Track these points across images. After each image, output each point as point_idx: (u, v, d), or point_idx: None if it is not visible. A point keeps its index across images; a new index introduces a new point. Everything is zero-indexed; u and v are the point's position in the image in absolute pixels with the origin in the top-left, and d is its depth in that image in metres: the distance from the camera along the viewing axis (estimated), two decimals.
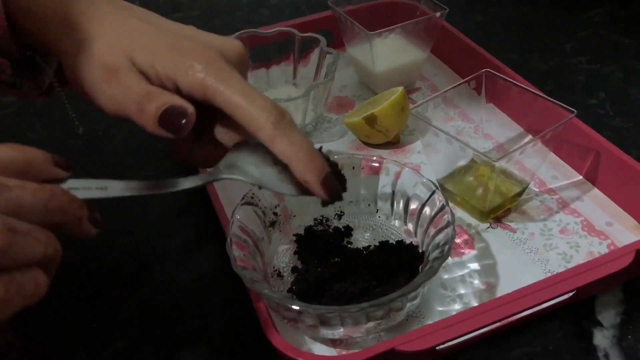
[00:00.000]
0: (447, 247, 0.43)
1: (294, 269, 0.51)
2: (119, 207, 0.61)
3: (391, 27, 0.67)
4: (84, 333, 0.49)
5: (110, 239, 0.57)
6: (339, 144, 0.66)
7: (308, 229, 0.53)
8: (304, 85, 0.71)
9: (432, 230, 0.47)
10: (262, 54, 0.71)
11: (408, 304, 0.45)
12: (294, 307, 0.41)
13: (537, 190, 0.58)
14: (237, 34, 0.69)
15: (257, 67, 0.72)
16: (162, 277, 0.54)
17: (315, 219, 0.54)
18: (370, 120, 0.61)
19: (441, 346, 0.43)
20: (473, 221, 0.56)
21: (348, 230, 0.53)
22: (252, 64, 0.71)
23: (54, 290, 0.52)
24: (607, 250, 0.52)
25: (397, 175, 0.51)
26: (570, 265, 0.50)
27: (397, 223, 0.53)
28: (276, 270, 0.51)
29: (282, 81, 0.72)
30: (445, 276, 0.50)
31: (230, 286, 0.51)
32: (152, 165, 0.66)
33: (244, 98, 0.38)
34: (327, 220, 0.54)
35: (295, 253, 0.52)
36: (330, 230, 0.53)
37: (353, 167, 0.53)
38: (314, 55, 0.70)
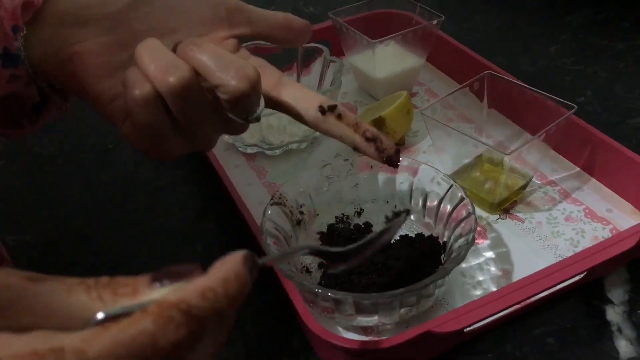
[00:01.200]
0: (471, 235, 0.47)
1: (321, 265, 0.53)
2: (139, 212, 0.63)
3: (392, 35, 0.70)
4: None
5: (134, 246, 0.59)
6: (348, 147, 0.68)
7: (330, 227, 0.56)
8: None
9: (453, 222, 0.50)
10: None
11: (437, 290, 0.48)
12: (336, 296, 0.43)
13: (540, 182, 0.62)
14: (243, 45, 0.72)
15: None
16: None
17: (336, 217, 0.57)
18: (379, 123, 0.64)
19: (469, 328, 0.47)
20: (483, 213, 0.59)
21: (368, 227, 0.56)
22: None
23: None
24: (610, 235, 0.56)
25: (415, 172, 0.55)
26: (578, 250, 0.54)
27: (415, 217, 0.56)
28: (304, 266, 0.53)
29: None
30: (464, 265, 0.54)
31: (257, 286, 0.53)
32: (163, 176, 0.68)
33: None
34: (348, 217, 0.57)
35: None
36: (351, 227, 0.56)
37: (372, 167, 0.56)
38: (316, 65, 0.73)
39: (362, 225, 0.56)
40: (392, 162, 0.40)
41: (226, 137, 0.69)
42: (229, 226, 0.60)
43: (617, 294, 0.51)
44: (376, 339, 0.47)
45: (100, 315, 0.24)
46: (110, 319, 0.23)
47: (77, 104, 0.44)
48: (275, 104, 0.42)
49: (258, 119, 0.39)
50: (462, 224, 0.49)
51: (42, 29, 0.38)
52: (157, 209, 0.64)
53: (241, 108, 0.37)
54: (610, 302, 0.51)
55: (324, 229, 0.56)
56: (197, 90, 0.36)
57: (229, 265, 0.26)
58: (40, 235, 0.61)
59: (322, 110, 0.40)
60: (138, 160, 0.70)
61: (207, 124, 0.39)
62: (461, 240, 0.47)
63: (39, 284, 0.25)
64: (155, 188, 0.66)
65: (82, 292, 0.25)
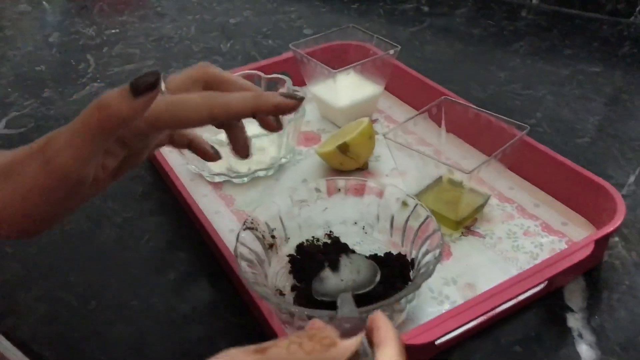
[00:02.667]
0: (438, 250, 0.49)
1: (294, 287, 0.54)
2: (107, 244, 0.64)
3: (352, 65, 0.73)
4: None
5: (104, 279, 0.59)
6: (314, 173, 0.71)
7: (299, 246, 0.57)
8: None
9: (419, 239, 0.53)
10: None
11: (407, 305, 0.49)
12: (313, 314, 0.45)
13: (498, 201, 0.65)
14: None
15: None
16: (161, 308, 0.56)
17: (307, 240, 0.58)
18: (344, 148, 0.66)
19: (439, 340, 0.49)
20: (446, 231, 0.62)
21: (335, 243, 0.57)
22: None
23: (56, 327, 0.54)
24: (566, 246, 0.59)
25: (381, 194, 0.57)
26: (537, 261, 0.57)
27: (382, 237, 0.58)
28: (277, 289, 0.54)
29: (252, 121, 0.77)
30: (432, 281, 0.56)
31: (230, 311, 0.54)
32: (129, 208, 0.68)
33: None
34: (318, 240, 0.58)
35: (290, 272, 0.56)
36: (320, 245, 0.57)
37: (339, 190, 0.58)
38: None
39: (330, 242, 0.57)
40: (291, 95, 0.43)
41: (193, 167, 0.70)
42: (200, 254, 0.61)
43: (576, 302, 0.54)
44: None
45: None
46: None
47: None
48: None
49: None
50: (429, 241, 0.51)
51: None
52: (125, 240, 0.64)
53: None
54: (571, 309, 0.54)
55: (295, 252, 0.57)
56: None
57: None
58: (7, 272, 0.61)
59: None
60: (107, 194, 0.70)
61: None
62: (429, 256, 0.49)
63: (265, 355, 0.30)
64: (123, 220, 0.67)
65: (298, 349, 0.30)
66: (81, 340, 0.53)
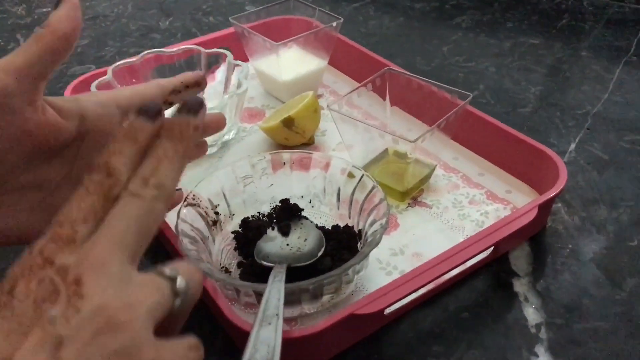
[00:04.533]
0: (385, 219, 0.48)
1: (240, 264, 0.53)
2: None
3: (294, 37, 0.72)
4: None
5: None
6: (259, 150, 0.69)
7: (244, 221, 0.56)
8: (213, 100, 0.73)
9: (366, 209, 0.52)
10: (169, 73, 0.73)
11: (355, 276, 0.49)
12: (259, 288, 0.43)
13: (443, 171, 0.65)
14: (141, 54, 0.71)
15: None
16: None
17: (252, 216, 0.57)
18: (288, 122, 0.65)
19: (389, 309, 0.48)
20: (393, 203, 0.61)
21: (285, 207, 0.56)
22: None
23: None
24: (510, 213, 0.59)
25: (326, 166, 0.56)
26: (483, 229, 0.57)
27: (329, 210, 0.57)
28: (223, 267, 0.53)
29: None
30: (379, 253, 0.55)
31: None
32: None
33: None
34: (264, 215, 0.57)
35: (235, 249, 0.54)
36: (265, 218, 0.56)
37: (284, 163, 0.56)
38: (221, 70, 0.73)
39: (274, 214, 0.56)
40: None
41: None
42: None
43: (522, 267, 0.55)
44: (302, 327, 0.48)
45: None
46: None
47: None
48: None
49: None
50: (375, 211, 0.51)
51: None
52: None
53: None
54: (517, 275, 0.54)
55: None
56: None
57: None
58: None
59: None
60: None
61: None
62: (375, 225, 0.49)
63: None
64: None
65: None
66: None
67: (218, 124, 0.47)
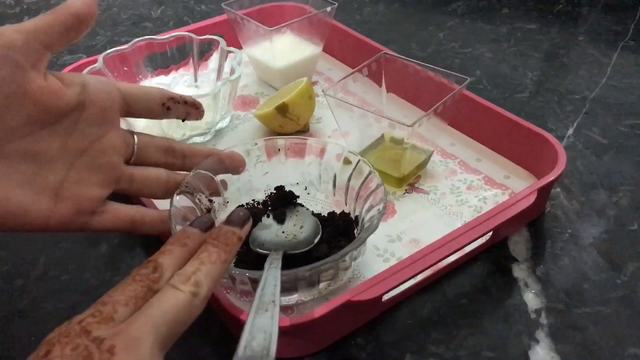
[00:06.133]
0: (382, 204, 0.47)
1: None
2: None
3: (288, 23, 0.71)
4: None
5: (34, 253, 0.55)
6: (253, 137, 0.68)
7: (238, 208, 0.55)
8: (206, 88, 0.72)
9: (363, 195, 0.51)
10: (160, 61, 0.72)
11: (353, 263, 0.48)
12: (255, 275, 0.42)
13: (440, 157, 0.64)
14: (133, 41, 0.70)
15: (157, 74, 0.73)
16: (94, 282, 0.53)
17: (247, 203, 0.56)
18: (282, 109, 0.64)
19: (387, 296, 0.47)
20: (390, 189, 0.60)
21: (281, 195, 0.55)
22: (151, 72, 0.72)
23: None
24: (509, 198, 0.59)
25: (322, 152, 0.55)
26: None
27: (325, 197, 0.56)
28: None
29: (184, 86, 0.74)
30: (376, 239, 0.54)
31: None
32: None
33: None
34: (259, 203, 0.56)
35: None
36: (260, 206, 0.55)
37: (278, 150, 0.55)
38: (214, 58, 0.72)
39: (269, 202, 0.55)
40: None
41: None
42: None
43: (521, 252, 0.54)
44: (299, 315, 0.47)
45: None
46: None
47: None
48: None
49: None
50: (372, 196, 0.50)
51: None
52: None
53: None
54: (516, 260, 0.53)
55: None
56: None
57: None
58: None
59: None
60: None
61: None
62: (373, 211, 0.48)
63: None
64: None
65: None
66: (4, 319, 0.50)
67: (239, 163, 0.53)
